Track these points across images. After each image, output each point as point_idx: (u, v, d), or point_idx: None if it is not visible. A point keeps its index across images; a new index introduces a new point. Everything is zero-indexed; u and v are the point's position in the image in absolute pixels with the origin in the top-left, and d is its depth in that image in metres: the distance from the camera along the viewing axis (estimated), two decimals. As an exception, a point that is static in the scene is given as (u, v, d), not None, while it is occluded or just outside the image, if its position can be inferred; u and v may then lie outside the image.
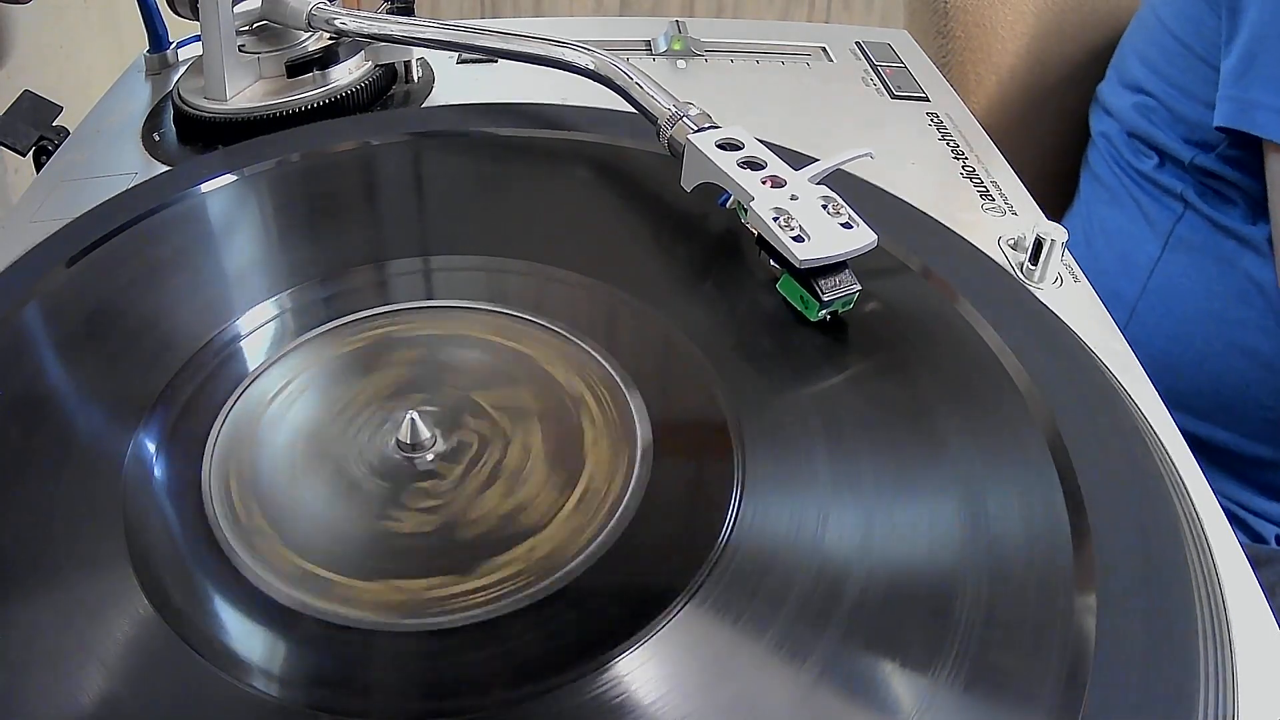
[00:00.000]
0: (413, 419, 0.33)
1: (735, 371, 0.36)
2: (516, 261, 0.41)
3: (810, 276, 0.36)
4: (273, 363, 0.36)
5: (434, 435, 0.33)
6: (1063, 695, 0.26)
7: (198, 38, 0.53)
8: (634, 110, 0.46)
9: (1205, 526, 0.32)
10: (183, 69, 0.56)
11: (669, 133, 0.43)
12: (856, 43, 0.64)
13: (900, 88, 0.59)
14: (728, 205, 0.41)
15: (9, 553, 0.30)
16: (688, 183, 0.42)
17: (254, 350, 0.37)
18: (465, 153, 0.49)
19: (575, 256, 0.41)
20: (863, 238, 0.37)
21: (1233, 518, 0.60)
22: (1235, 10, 0.63)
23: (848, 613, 0.28)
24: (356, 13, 0.52)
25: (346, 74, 0.53)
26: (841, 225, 0.37)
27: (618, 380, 0.35)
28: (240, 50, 0.52)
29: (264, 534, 0.31)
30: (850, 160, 0.41)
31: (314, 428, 0.34)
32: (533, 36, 0.49)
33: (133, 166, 0.50)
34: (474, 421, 0.34)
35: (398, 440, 0.33)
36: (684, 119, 0.43)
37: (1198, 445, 0.46)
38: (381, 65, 0.54)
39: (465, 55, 0.59)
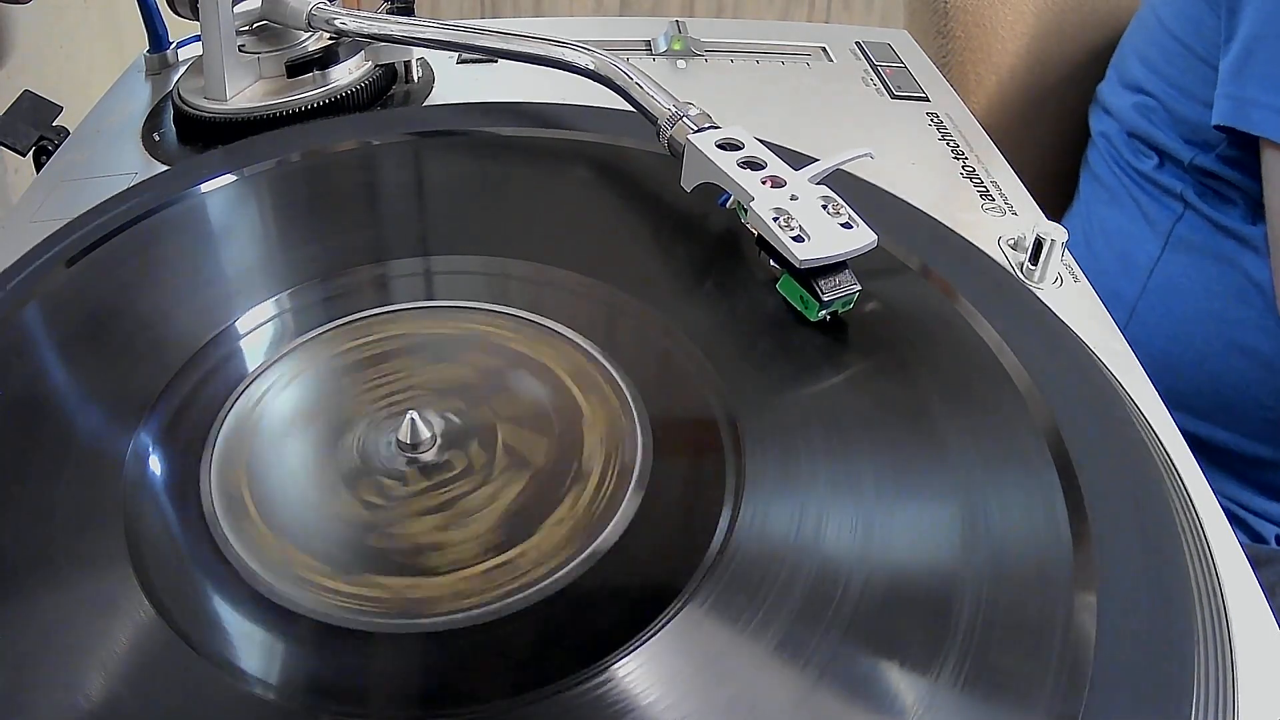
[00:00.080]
0: (413, 419, 0.33)
1: (735, 371, 0.36)
2: (516, 261, 0.41)
3: (810, 276, 0.36)
4: (272, 363, 0.36)
5: (434, 435, 0.33)
6: (1063, 695, 0.26)
7: (198, 38, 0.53)
8: (634, 110, 0.46)
9: (1205, 526, 0.32)
10: (183, 69, 0.56)
11: (669, 133, 0.43)
12: (856, 43, 0.64)
13: (900, 88, 0.59)
14: (728, 205, 0.41)
15: (9, 553, 0.30)
16: (688, 183, 0.42)
17: (254, 350, 0.37)
18: (465, 152, 0.49)
19: (575, 256, 0.41)
20: (863, 238, 0.37)
21: (1233, 518, 0.60)
22: (1234, 10, 0.63)
23: (847, 613, 0.28)
24: (356, 13, 0.52)
25: (346, 74, 0.53)
26: (841, 225, 0.37)
27: (618, 380, 0.35)
28: (240, 50, 0.52)
29: (264, 534, 0.31)
30: (850, 160, 0.41)
31: (314, 428, 0.34)
32: (533, 36, 0.49)
33: (133, 166, 0.50)
34: (474, 421, 0.34)
35: (398, 440, 0.33)
36: (684, 119, 0.43)
37: (1198, 445, 0.46)
38: (381, 65, 0.54)
39: (465, 55, 0.59)
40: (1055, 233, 0.42)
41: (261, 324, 0.38)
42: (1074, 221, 0.79)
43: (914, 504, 0.31)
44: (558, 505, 0.31)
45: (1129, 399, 0.36)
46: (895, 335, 0.37)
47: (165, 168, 0.49)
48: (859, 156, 0.42)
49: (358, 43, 0.53)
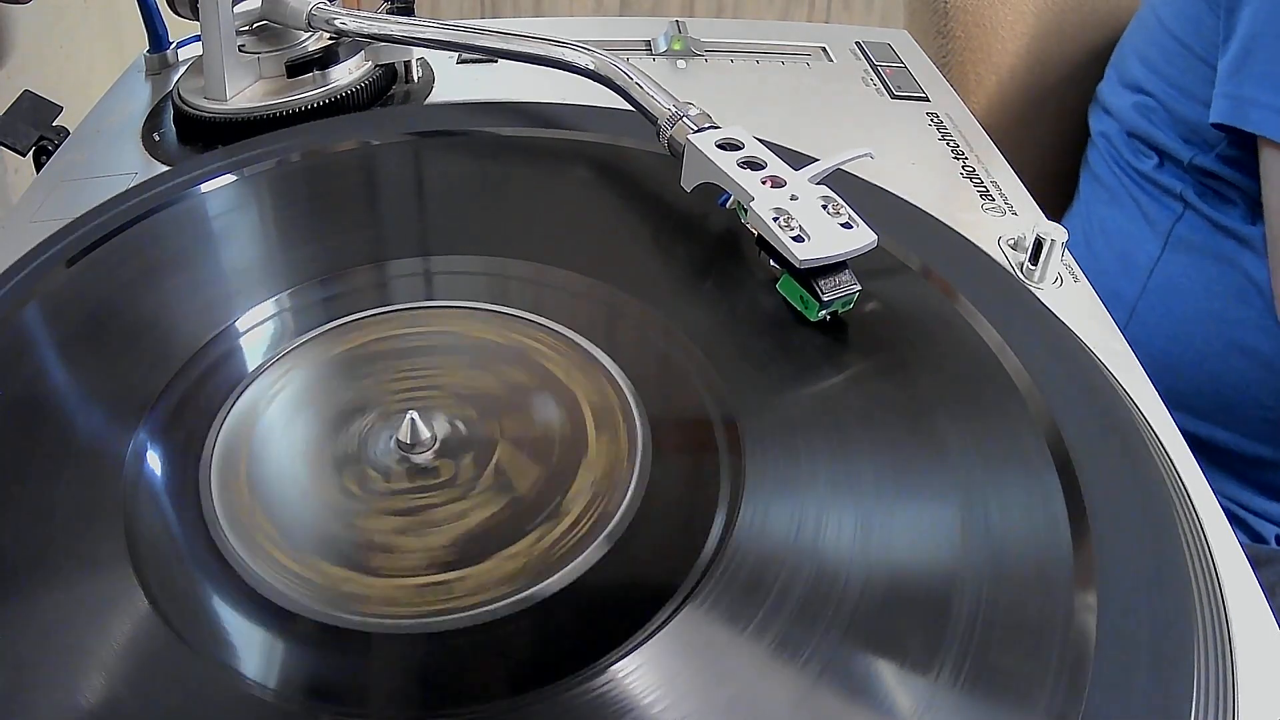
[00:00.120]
0: (412, 419, 0.33)
1: (735, 371, 0.36)
2: (516, 261, 0.41)
3: (810, 276, 0.36)
4: (272, 362, 0.36)
5: (434, 439, 0.33)
6: (1063, 695, 0.26)
7: (198, 38, 0.53)
8: (634, 110, 0.46)
9: (1205, 526, 0.32)
10: (183, 69, 0.56)
11: (669, 133, 0.43)
12: (856, 43, 0.64)
13: (900, 88, 0.59)
14: (728, 205, 0.41)
15: (9, 553, 0.30)
16: (688, 183, 0.42)
17: (254, 350, 0.37)
18: (465, 152, 0.49)
19: (575, 256, 0.41)
20: (863, 238, 0.37)
21: (1233, 518, 0.60)
22: (1232, 9, 0.63)
23: (848, 613, 0.28)
24: (356, 13, 0.52)
25: (346, 74, 0.53)
26: (841, 225, 0.37)
27: (617, 380, 0.35)
28: (240, 50, 0.52)
29: (264, 534, 0.31)
30: (850, 160, 0.41)
31: (313, 428, 0.34)
32: (533, 36, 0.49)
33: (133, 166, 0.50)
34: (477, 434, 0.34)
35: (397, 440, 0.33)
36: (684, 119, 0.43)
37: (1198, 445, 0.46)
38: (381, 65, 0.54)
39: (465, 55, 0.59)
40: (1055, 233, 0.42)
41: (261, 323, 0.38)
42: (1074, 221, 0.79)
43: (914, 504, 0.31)
44: (520, 539, 0.30)
45: (1129, 399, 0.36)
46: (895, 335, 0.37)
47: (165, 168, 0.49)
48: (859, 156, 0.42)
49: (358, 43, 0.53)
